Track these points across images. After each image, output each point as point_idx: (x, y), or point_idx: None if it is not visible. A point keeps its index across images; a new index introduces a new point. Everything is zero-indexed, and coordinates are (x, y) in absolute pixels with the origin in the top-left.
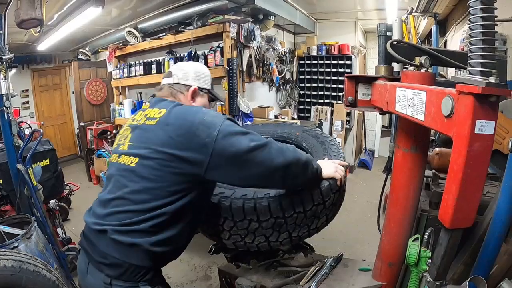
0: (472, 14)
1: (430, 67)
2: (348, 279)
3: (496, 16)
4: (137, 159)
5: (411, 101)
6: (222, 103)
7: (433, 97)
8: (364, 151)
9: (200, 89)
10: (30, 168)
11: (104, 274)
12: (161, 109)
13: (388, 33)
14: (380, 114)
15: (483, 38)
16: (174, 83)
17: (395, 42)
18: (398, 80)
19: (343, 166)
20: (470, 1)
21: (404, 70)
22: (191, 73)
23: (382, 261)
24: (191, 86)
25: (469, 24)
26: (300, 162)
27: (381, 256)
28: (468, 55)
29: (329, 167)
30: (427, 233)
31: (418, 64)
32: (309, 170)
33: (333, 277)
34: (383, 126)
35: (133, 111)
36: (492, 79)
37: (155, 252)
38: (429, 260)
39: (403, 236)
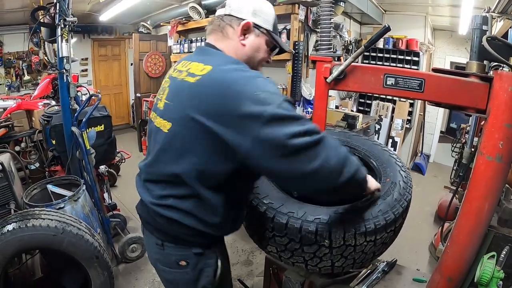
0: None
1: None
2: None
3: None
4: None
5: None
6: (287, 52)
7: None
8: (420, 154)
9: (257, 26)
10: (85, 131)
11: (155, 237)
12: (206, 65)
13: (484, 27)
14: (465, 114)
15: None
16: (225, 15)
17: (489, 38)
18: (490, 79)
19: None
20: None
21: (494, 69)
22: (247, 6)
23: (442, 274)
24: (244, 20)
25: None
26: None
27: (441, 269)
28: None
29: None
30: (504, 252)
31: None
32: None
33: (385, 283)
34: (441, 132)
35: None
36: None
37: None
38: (500, 282)
39: (470, 252)
